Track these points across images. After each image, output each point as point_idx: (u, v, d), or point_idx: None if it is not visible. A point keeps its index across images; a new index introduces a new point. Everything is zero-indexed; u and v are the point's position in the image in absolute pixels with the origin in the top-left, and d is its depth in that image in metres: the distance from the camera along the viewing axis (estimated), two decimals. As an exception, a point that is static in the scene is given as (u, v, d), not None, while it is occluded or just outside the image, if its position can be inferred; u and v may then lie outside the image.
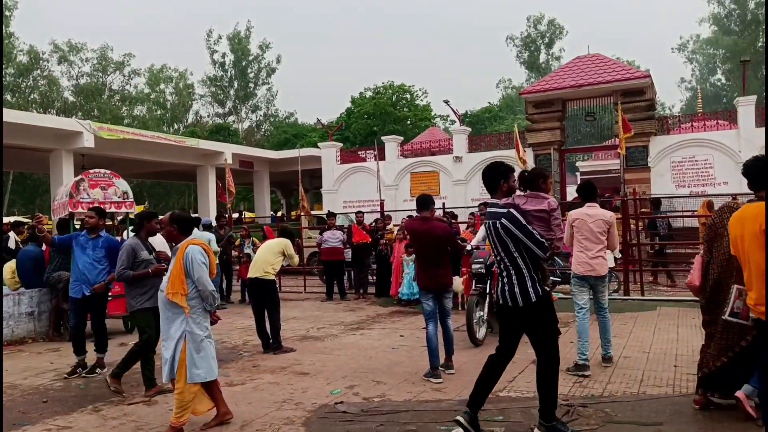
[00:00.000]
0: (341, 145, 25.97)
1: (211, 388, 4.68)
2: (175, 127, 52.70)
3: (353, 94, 46.65)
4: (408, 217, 11.49)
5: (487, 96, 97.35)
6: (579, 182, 18.71)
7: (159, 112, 52.10)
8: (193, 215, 18.10)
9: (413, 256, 10.50)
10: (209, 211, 20.49)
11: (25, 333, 8.44)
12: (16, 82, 43.28)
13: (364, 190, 21.35)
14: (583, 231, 5.83)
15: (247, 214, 30.33)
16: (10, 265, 8.81)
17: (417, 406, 5.02)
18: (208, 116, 55.34)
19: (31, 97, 44.24)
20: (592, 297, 5.97)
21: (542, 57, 55.08)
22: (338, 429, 4.51)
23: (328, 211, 14.45)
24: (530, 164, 16.59)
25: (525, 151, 15.34)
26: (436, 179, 20.96)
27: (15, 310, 8.30)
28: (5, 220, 17.31)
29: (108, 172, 8.53)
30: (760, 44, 44.28)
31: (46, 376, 6.60)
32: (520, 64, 56.44)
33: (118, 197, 8.50)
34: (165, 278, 4.68)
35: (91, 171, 8.37)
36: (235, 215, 20.33)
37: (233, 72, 52.69)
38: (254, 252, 10.10)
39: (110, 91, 49.04)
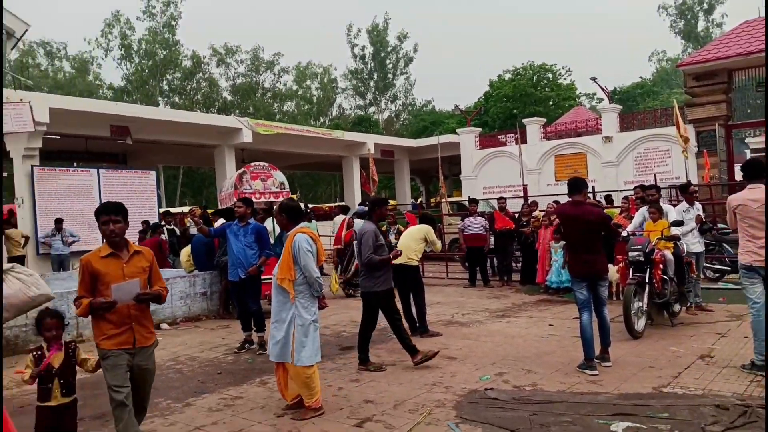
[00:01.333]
0: (480, 130, 25.63)
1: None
2: (321, 120, 55.40)
3: (491, 77, 45.73)
4: (555, 202, 11.07)
5: (638, 71, 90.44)
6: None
7: (306, 107, 55.04)
8: (340, 204, 18.91)
9: (561, 242, 10.12)
10: (354, 200, 21.29)
11: (200, 311, 9.41)
12: (182, 85, 48.03)
13: (504, 175, 20.92)
14: (747, 218, 5.20)
15: (389, 202, 31.05)
16: (186, 250, 9.87)
17: (571, 397, 4.84)
18: (350, 108, 57.47)
19: (195, 98, 48.85)
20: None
21: (701, 25, 50.04)
22: (490, 415, 4.49)
23: (470, 197, 14.36)
24: (692, 142, 15.18)
25: (686, 127, 14.05)
26: (582, 161, 19.95)
27: (191, 290, 9.28)
28: (174, 210, 19.38)
29: (267, 164, 9.18)
30: None
31: (219, 350, 7.30)
32: (675, 34, 51.72)
33: (276, 188, 9.12)
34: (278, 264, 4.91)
35: (252, 164, 9.06)
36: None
37: (373, 64, 54.08)
38: (396, 239, 10.38)
39: (263, 89, 52.66)
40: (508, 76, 42.58)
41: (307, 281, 4.71)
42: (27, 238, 12.90)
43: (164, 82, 46.76)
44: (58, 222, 12.87)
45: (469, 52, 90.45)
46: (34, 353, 3.82)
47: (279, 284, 4.81)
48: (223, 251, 9.22)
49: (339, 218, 14.10)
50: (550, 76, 42.00)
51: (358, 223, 11.69)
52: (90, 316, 3.71)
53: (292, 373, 4.73)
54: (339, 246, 10.34)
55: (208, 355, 7.02)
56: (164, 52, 44.92)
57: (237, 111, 47.67)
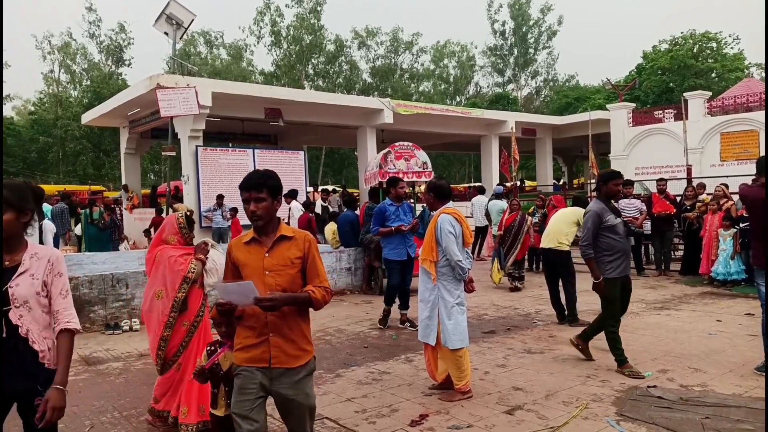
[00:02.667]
0: (633, 105, 23.77)
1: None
2: (457, 99, 54.87)
3: (644, 48, 42.21)
4: (723, 185, 9.95)
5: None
6: None
7: (443, 87, 54.76)
8: (476, 185, 18.54)
9: (732, 230, 9.10)
10: (491, 180, 20.84)
11: (345, 285, 9.75)
12: (325, 69, 49.90)
13: (660, 154, 19.27)
14: None
15: (528, 183, 30.05)
16: (330, 227, 10.25)
17: (751, 403, 4.31)
18: (488, 86, 56.23)
19: (337, 81, 50.56)
20: None
21: None
22: (655, 414, 4.13)
23: (626, 179, 13.36)
24: None
25: None
26: (754, 140, 17.78)
27: (337, 266, 9.63)
28: (320, 188, 20.24)
29: (410, 144, 9.20)
30: None
31: (364, 324, 7.50)
32: None
33: (419, 167, 9.12)
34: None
35: (397, 144, 9.12)
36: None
37: (513, 39, 52.31)
38: (541, 222, 9.94)
39: (401, 70, 53.17)
40: (664, 46, 39.05)
41: (449, 264, 4.61)
42: (191, 212, 14.15)
43: (309, 67, 48.87)
44: (219, 198, 13.96)
45: (618, 23, 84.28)
46: (209, 348, 3.42)
47: (421, 265, 4.79)
48: (367, 228, 9.46)
49: (478, 199, 13.88)
50: (714, 45, 37.86)
51: (495, 203, 11.41)
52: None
53: (442, 354, 4.69)
54: (500, 232, 9.56)
55: (354, 329, 7.23)
56: (310, 37, 46.86)
57: (376, 92, 48.67)
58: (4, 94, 49.83)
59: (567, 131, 24.08)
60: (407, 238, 7.19)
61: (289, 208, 12.75)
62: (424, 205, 11.36)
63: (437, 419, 4.21)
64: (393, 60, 52.66)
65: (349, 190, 19.19)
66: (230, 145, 19.14)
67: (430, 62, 54.73)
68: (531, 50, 52.59)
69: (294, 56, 47.17)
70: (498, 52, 53.52)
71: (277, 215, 2.82)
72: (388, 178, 7.90)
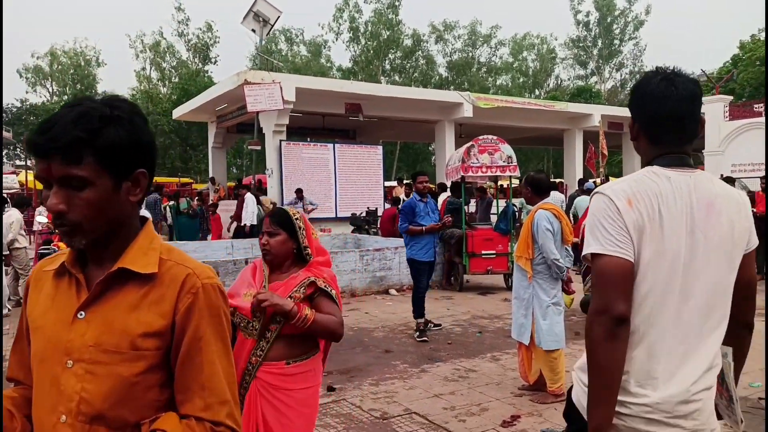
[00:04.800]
0: (730, 98, 22.28)
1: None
2: (536, 93, 53.48)
3: (742, 38, 39.49)
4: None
5: None
6: None
7: (521, 80, 53.54)
8: (557, 180, 17.92)
9: None
10: (574, 176, 20.13)
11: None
12: (402, 64, 49.94)
13: (760, 150, 17.95)
14: None
15: (612, 180, 28.86)
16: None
17: None
18: (569, 79, 54.45)
19: (414, 75, 50.47)
20: None
21: None
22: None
23: (725, 176, 12.59)
24: None
25: None
26: None
27: (417, 261, 9.58)
28: (389, 183, 20.24)
29: (495, 138, 9.01)
30: None
31: (445, 320, 7.43)
32: None
33: (503, 162, 8.92)
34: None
35: (480, 137, 8.96)
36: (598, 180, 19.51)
37: (597, 30, 50.35)
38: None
39: (478, 63, 52.43)
40: (764, 36, 36.37)
41: (546, 261, 4.46)
42: (274, 205, 14.56)
43: (386, 62, 49.07)
44: (299, 191, 14.27)
45: (711, 10, 79.31)
46: None
47: (517, 262, 4.67)
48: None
49: (554, 196, 13.39)
50: (823, 32, 34.84)
51: (583, 200, 10.97)
52: None
53: (536, 355, 4.56)
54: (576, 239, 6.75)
55: (436, 325, 7.17)
56: (387, 33, 47.04)
57: (452, 87, 48.23)
58: (101, 90, 53.17)
59: (656, 125, 22.85)
60: (434, 237, 6.84)
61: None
62: (507, 200, 11.17)
63: (530, 421, 4.09)
64: (470, 54, 51.99)
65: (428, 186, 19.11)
66: (308, 139, 19.52)
67: (509, 55, 53.63)
68: (616, 41, 50.44)
69: (371, 52, 47.51)
70: (581, 44, 51.68)
71: (142, 213, 1.35)
72: (411, 173, 7.73)
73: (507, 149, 8.99)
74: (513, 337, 4.77)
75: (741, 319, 1.68)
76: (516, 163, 9.10)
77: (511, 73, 53.54)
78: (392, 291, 9.22)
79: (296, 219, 2.39)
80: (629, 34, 50.06)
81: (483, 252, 9.21)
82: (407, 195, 17.14)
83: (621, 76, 52.69)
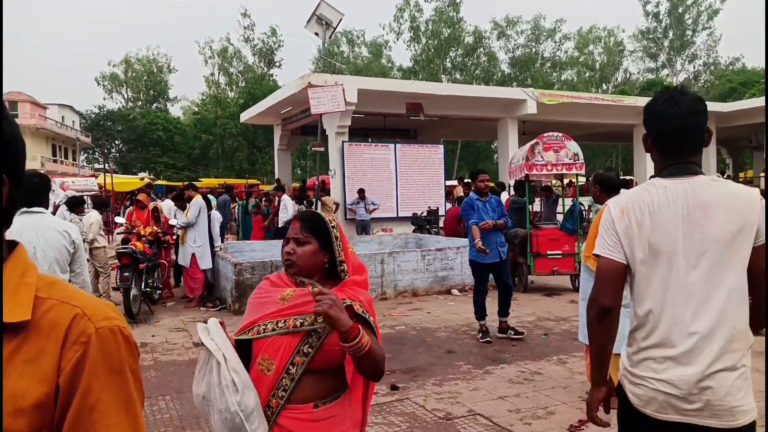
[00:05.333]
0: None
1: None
2: (603, 87, 51.83)
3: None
4: None
5: None
6: None
7: (587, 74, 52.03)
8: (626, 177, 17.31)
9: None
10: (645, 173, 19.38)
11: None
12: (463, 62, 49.53)
13: None
14: None
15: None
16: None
17: None
18: (638, 72, 52.47)
19: (475, 73, 49.96)
20: None
21: None
22: None
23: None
24: None
25: None
26: None
27: (480, 260, 9.48)
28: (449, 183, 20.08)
29: (560, 134, 8.80)
30: None
31: (510, 321, 7.24)
32: None
33: (569, 159, 8.69)
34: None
35: (545, 135, 8.77)
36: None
37: (668, 21, 48.23)
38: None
39: (542, 59, 51.33)
40: None
41: None
42: (337, 205, 14.77)
43: (447, 60, 48.81)
44: (361, 191, 14.41)
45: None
46: None
47: (584, 262, 4.53)
48: (511, 223, 9.22)
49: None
50: None
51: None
52: None
53: (605, 358, 4.42)
54: None
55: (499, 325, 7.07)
56: (448, 31, 46.78)
57: (515, 83, 47.41)
58: (172, 95, 55.45)
59: (734, 119, 21.69)
60: (498, 236, 6.48)
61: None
62: (574, 198, 10.88)
63: (597, 427, 3.97)
64: (534, 49, 50.97)
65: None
66: (370, 140, 19.67)
67: (574, 49, 52.23)
68: (689, 32, 48.17)
69: (432, 50, 47.37)
70: (650, 36, 49.68)
71: (15, 242, 0.95)
72: (470, 171, 7.40)
73: (573, 146, 8.75)
74: (580, 339, 4.64)
75: (757, 309, 1.85)
76: (582, 161, 8.85)
77: (576, 67, 52.12)
78: (454, 291, 9.16)
79: (332, 227, 1.94)
80: (702, 23, 47.72)
81: (548, 252, 9.01)
82: (465, 194, 17.06)
83: (694, 68, 50.39)
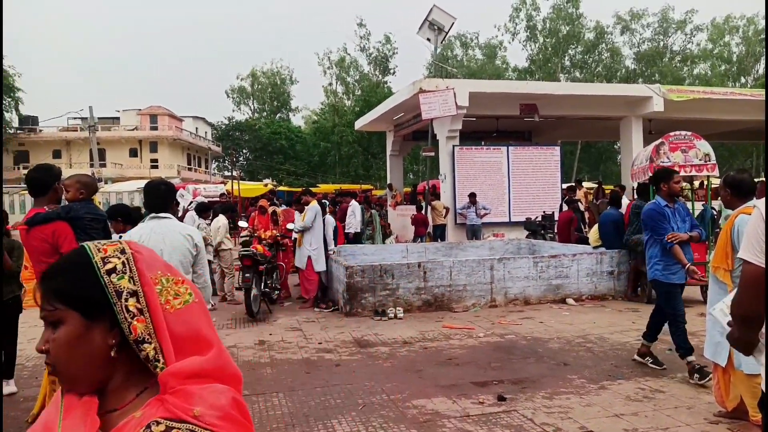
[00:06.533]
0: None
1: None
2: (742, 81, 47.28)
3: None
4: None
5: None
6: None
7: (723, 68, 47.73)
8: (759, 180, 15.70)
9: None
10: (792, 174, 17.39)
11: (606, 290, 9.07)
12: (583, 59, 47.40)
13: None
14: None
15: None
16: (596, 227, 9.65)
17: None
18: (785, 63, 47.23)
19: (596, 70, 47.63)
20: None
21: None
22: None
23: None
24: None
25: None
26: None
27: (597, 268, 9.01)
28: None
29: (688, 133, 8.15)
30: None
31: (630, 334, 6.86)
32: None
33: (699, 159, 8.02)
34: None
35: (671, 134, 8.16)
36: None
37: (822, 2, 43.01)
38: None
39: (671, 52, 47.90)
40: None
41: None
42: (448, 210, 14.71)
43: (566, 58, 47.00)
44: (472, 196, 14.23)
45: None
46: None
47: (713, 273, 4.14)
48: (634, 229, 8.67)
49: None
50: None
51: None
52: None
53: (736, 378, 4.01)
54: None
55: (618, 338, 6.67)
56: (567, 28, 45.08)
57: (640, 79, 44.60)
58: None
59: None
60: (689, 251, 5.30)
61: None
62: (704, 203, 10.01)
63: (727, 455, 3.61)
64: (661, 42, 47.68)
65: (606, 187, 17.88)
66: (482, 143, 19.39)
67: (707, 41, 48.13)
68: None
69: (550, 49, 45.87)
70: (800, 21, 44.55)
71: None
72: (655, 170, 6.01)
73: (703, 146, 8.07)
74: (707, 356, 4.25)
75: None
76: (714, 161, 8.13)
77: (710, 60, 48.01)
78: (570, 300, 8.76)
79: (109, 266, 1.02)
80: None
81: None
82: (585, 197, 16.27)
83: None
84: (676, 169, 8.08)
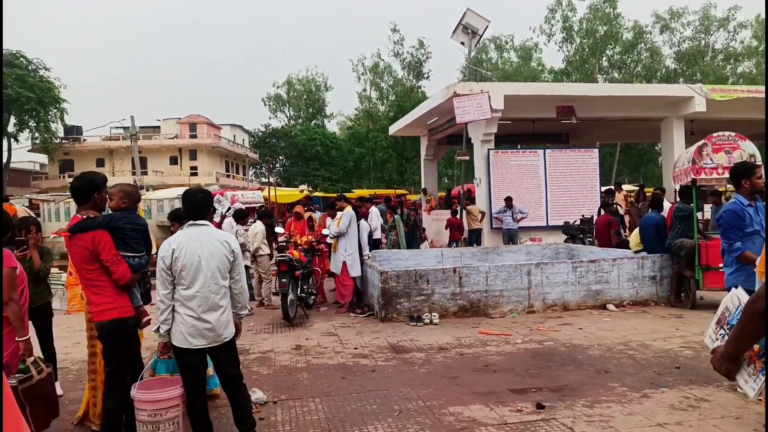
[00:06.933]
0: None
1: None
2: (791, 77, 45.59)
3: None
4: None
5: None
6: None
7: (770, 64, 46.12)
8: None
9: None
10: None
11: (648, 295, 8.84)
12: (621, 59, 46.48)
13: None
14: None
15: None
16: (636, 231, 9.42)
17: None
18: (837, 58, 45.37)
19: (635, 70, 46.63)
20: None
21: None
22: None
23: None
24: None
25: None
26: None
27: (639, 273, 8.79)
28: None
29: (732, 134, 7.90)
30: None
31: (674, 341, 6.66)
32: None
33: (744, 161, 7.75)
34: None
35: (715, 135, 7.92)
36: None
37: None
38: None
39: (713, 51, 46.58)
40: None
41: None
42: (483, 214, 14.58)
43: (603, 59, 46.19)
44: (508, 200, 14.08)
45: None
46: None
47: (759, 278, 3.97)
48: (676, 232, 8.44)
49: None
50: None
51: None
52: None
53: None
54: None
55: (661, 345, 6.48)
56: (604, 28, 44.32)
57: (681, 79, 43.49)
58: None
59: None
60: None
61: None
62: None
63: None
64: (703, 41, 46.42)
65: (647, 190, 17.44)
66: (518, 146, 19.18)
67: (752, 38, 46.60)
68: None
69: (587, 50, 45.17)
70: None
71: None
72: (733, 165, 5.21)
73: (749, 147, 7.81)
74: None
75: None
76: (760, 162, 7.84)
77: (755, 58, 46.45)
78: (610, 306, 8.57)
79: None
80: None
81: (720, 265, 8.07)
82: (626, 200, 15.90)
83: None
84: (719, 170, 7.86)
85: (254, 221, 10.19)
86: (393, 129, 21.72)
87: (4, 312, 3.60)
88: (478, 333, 7.25)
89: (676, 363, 5.77)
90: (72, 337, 7.48)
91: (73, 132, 47.98)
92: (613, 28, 44.15)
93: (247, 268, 9.31)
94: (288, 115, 58.49)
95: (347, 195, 13.74)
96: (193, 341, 3.64)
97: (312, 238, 9.79)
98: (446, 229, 14.88)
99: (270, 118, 58.52)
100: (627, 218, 13.98)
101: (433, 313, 7.91)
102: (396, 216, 13.67)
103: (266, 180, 41.90)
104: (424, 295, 8.09)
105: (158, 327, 3.68)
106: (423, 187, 20.90)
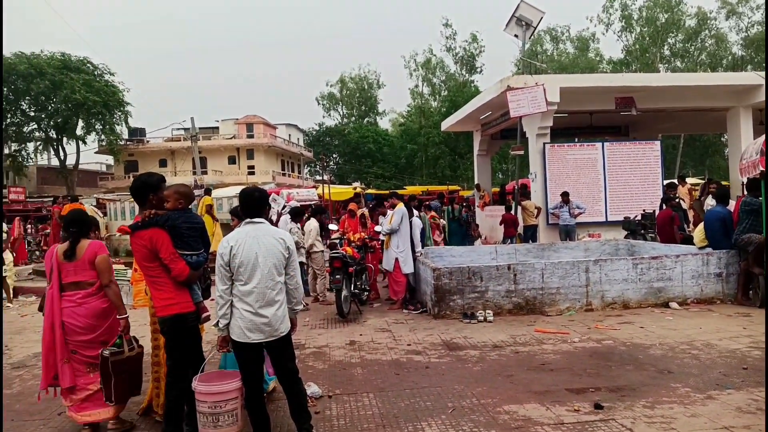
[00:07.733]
0: None
1: None
2: None
3: None
4: None
5: None
6: None
7: None
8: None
9: None
10: None
11: (713, 293, 8.47)
12: (684, 48, 44.60)
13: None
14: None
15: None
16: (700, 225, 9.05)
17: None
18: None
19: (699, 59, 44.66)
20: None
21: None
22: None
23: None
24: None
25: None
26: None
27: (703, 270, 8.43)
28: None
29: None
30: None
31: (741, 341, 6.37)
32: None
33: (821, 151, 7.30)
34: None
35: (786, 124, 7.48)
36: None
37: None
38: None
39: (785, 35, 44.05)
40: None
41: None
42: (539, 209, 14.30)
43: (665, 47, 44.43)
44: (565, 195, 13.75)
45: None
46: None
47: None
48: (744, 227, 8.05)
49: None
50: None
51: None
52: None
53: None
54: None
55: (727, 345, 6.20)
56: (665, 15, 42.63)
57: (750, 66, 41.33)
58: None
59: None
60: None
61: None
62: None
63: None
64: (774, 25, 43.91)
65: (716, 182, 16.67)
66: (576, 140, 18.69)
67: (829, 20, 43.82)
68: None
69: (647, 39, 43.57)
70: None
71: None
72: None
73: (824, 136, 7.34)
74: None
75: None
76: (840, 153, 7.38)
77: (833, 40, 43.67)
78: (673, 304, 8.25)
79: None
80: None
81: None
82: (690, 194, 15.27)
83: None
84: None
85: (308, 218, 10.35)
86: (445, 125, 21.58)
87: (107, 293, 4.36)
88: (534, 331, 7.13)
89: (743, 364, 5.52)
90: (136, 331, 7.80)
91: (137, 134, 49.99)
92: (674, 15, 42.43)
93: (302, 264, 9.48)
94: (341, 113, 59.07)
95: (399, 192, 13.74)
96: (250, 335, 3.74)
97: (365, 235, 9.86)
98: (500, 225, 14.68)
99: (324, 117, 59.42)
100: (691, 213, 13.41)
101: (487, 311, 7.83)
102: (422, 213, 12.54)
103: (320, 178, 42.48)
104: (477, 292, 8.02)
105: (217, 321, 3.81)
106: (476, 182, 20.68)
